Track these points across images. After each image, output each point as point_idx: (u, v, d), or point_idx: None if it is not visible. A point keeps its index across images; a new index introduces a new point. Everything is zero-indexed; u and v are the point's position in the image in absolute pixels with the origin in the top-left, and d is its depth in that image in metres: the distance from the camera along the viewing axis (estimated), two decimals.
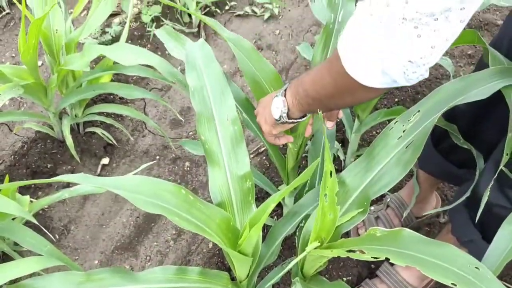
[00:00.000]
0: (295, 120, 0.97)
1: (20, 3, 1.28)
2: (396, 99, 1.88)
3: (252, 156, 1.72)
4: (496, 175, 0.92)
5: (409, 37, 0.62)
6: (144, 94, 1.49)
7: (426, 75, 0.68)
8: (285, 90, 0.94)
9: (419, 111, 0.92)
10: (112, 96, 1.81)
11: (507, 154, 0.91)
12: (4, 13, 2.10)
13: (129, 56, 1.24)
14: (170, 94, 1.91)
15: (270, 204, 0.89)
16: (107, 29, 2.01)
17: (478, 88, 0.91)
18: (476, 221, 0.98)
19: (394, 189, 1.54)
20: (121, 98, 1.81)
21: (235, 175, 0.99)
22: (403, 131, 0.92)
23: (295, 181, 0.84)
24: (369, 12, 0.66)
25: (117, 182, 0.85)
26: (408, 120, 0.92)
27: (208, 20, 1.06)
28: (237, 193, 0.99)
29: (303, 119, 0.98)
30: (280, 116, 0.95)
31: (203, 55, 1.06)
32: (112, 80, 1.64)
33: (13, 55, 1.97)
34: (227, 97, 1.02)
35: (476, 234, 1.08)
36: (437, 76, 1.97)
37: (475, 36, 1.08)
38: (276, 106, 0.95)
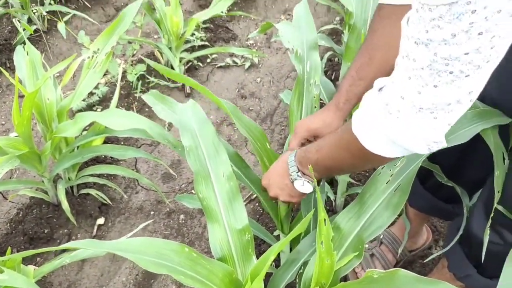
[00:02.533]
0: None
1: (9, 74, 1.33)
2: None
3: (245, 203, 1.75)
4: (487, 213, 0.97)
5: (427, 122, 0.67)
6: (136, 154, 1.53)
7: (445, 144, 0.72)
8: (298, 171, 0.99)
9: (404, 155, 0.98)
10: (103, 156, 1.84)
11: (498, 192, 0.96)
12: None
13: (121, 121, 1.29)
14: (160, 149, 1.95)
15: (269, 256, 0.93)
16: (94, 90, 2.07)
17: (459, 131, 0.98)
18: (472, 258, 1.02)
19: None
20: (112, 157, 1.85)
21: (234, 229, 1.03)
22: (391, 176, 0.97)
23: (292, 233, 0.88)
24: (384, 102, 0.71)
25: (121, 245, 0.89)
26: (395, 165, 0.98)
27: (200, 87, 1.11)
28: (237, 247, 1.03)
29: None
30: (313, 189, 1.02)
31: (195, 115, 1.12)
32: (104, 141, 1.68)
33: (3, 122, 2.01)
34: (221, 154, 1.07)
35: (472, 269, 1.13)
36: None
37: None
38: (301, 185, 1.01)
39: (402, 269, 0.89)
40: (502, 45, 0.56)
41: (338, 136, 0.89)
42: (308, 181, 0.99)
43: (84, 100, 2.03)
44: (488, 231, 1.00)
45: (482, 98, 1.05)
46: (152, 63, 1.20)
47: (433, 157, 1.18)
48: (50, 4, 2.42)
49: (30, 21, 2.39)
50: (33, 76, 1.49)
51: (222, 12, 2.36)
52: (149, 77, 2.18)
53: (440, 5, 0.55)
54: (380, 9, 0.99)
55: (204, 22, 2.48)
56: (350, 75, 1.05)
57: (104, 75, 2.19)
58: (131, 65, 2.22)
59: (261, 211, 1.73)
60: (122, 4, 2.67)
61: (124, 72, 2.18)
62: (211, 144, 1.08)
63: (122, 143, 1.91)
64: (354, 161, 0.87)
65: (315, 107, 1.27)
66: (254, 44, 2.50)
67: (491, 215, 0.96)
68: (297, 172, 0.99)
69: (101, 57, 1.46)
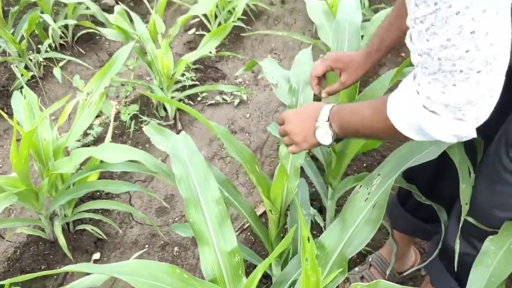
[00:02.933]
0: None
1: (8, 116, 1.40)
2: (365, 164, 2.03)
3: (237, 233, 1.80)
4: (460, 226, 1.03)
5: (457, 117, 0.71)
6: (131, 188, 1.59)
7: (475, 135, 0.75)
8: (328, 121, 1.00)
9: (379, 174, 1.05)
10: (98, 192, 1.90)
11: (466, 204, 1.03)
12: None
13: (116, 154, 1.36)
14: (154, 184, 2.01)
15: (257, 274, 0.98)
16: (88, 131, 2.14)
17: (425, 150, 1.06)
18: (452, 271, 1.07)
19: (375, 249, 1.64)
20: (107, 193, 1.90)
21: (224, 252, 1.08)
22: (368, 193, 1.04)
23: (277, 248, 0.93)
24: (417, 96, 0.75)
25: (117, 267, 0.95)
26: (371, 184, 1.05)
27: (194, 112, 1.20)
28: (227, 268, 1.08)
29: None
30: (330, 143, 1.02)
31: (185, 146, 1.19)
32: (98, 177, 1.74)
33: (0, 165, 2.07)
34: (210, 181, 1.13)
35: (453, 282, 1.17)
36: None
37: None
38: (323, 133, 1.01)
39: (384, 280, 0.94)
40: (502, 41, 0.62)
41: (373, 110, 0.91)
42: (332, 133, 1.00)
43: (79, 140, 2.10)
44: (459, 241, 1.05)
45: None
46: (149, 94, 1.27)
47: (409, 177, 1.25)
48: (46, 51, 2.53)
49: (27, 68, 2.50)
50: (31, 118, 1.57)
51: (210, 53, 2.48)
52: (142, 116, 2.26)
53: (427, 14, 0.63)
54: None
55: (194, 63, 2.59)
56: (383, 27, 1.14)
57: (98, 116, 2.28)
58: (125, 105, 2.30)
59: (253, 240, 1.77)
60: (115, 49, 2.78)
61: (118, 112, 2.26)
62: (201, 172, 1.14)
63: (116, 179, 1.97)
64: (383, 135, 0.96)
65: None
66: (243, 82, 2.61)
67: (460, 225, 1.02)
68: (326, 121, 1.00)
69: (94, 97, 1.54)
